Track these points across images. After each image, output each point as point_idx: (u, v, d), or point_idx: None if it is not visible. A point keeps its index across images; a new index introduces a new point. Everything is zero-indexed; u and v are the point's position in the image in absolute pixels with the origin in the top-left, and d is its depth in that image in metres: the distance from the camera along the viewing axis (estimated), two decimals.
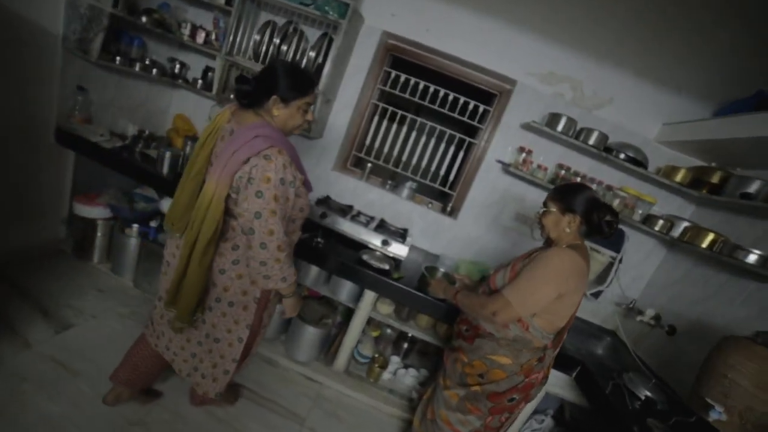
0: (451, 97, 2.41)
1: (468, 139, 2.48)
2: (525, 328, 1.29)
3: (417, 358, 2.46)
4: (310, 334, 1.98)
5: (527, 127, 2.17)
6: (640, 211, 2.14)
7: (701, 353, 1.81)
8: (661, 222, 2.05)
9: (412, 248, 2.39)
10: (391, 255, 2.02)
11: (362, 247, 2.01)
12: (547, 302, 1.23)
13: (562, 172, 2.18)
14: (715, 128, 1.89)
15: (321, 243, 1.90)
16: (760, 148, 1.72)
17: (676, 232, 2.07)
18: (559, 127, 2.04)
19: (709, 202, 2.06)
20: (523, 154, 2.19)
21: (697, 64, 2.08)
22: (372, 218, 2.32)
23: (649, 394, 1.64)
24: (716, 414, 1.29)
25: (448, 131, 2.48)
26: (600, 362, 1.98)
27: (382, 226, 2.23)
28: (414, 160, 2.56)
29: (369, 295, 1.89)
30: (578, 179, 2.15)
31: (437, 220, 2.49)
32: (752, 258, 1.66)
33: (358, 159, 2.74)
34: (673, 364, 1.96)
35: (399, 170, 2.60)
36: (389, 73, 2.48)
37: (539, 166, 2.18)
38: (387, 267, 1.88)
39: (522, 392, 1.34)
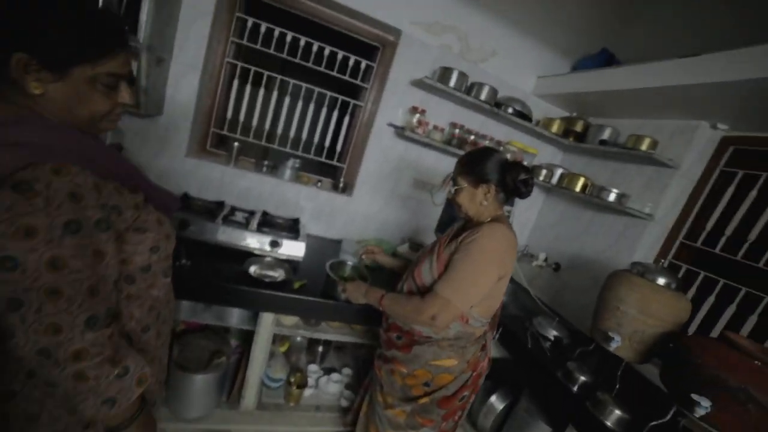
0: (327, 52, 2.00)
1: (352, 101, 2.14)
2: (465, 321, 1.15)
3: (335, 356, 2.21)
4: (200, 383, 1.49)
5: (418, 84, 1.95)
6: (526, 163, 2.21)
7: (581, 282, 2.09)
8: (544, 171, 2.17)
9: (308, 239, 2.03)
10: (284, 258, 1.63)
11: (246, 255, 1.56)
12: (488, 290, 1.09)
13: (456, 131, 2.07)
14: (573, 82, 2.04)
15: (187, 264, 1.37)
16: (607, 99, 1.94)
17: (554, 180, 2.23)
18: (452, 83, 1.87)
19: (575, 149, 2.25)
20: (417, 115, 1.99)
21: (560, 20, 2.14)
22: (251, 213, 1.84)
23: (555, 333, 1.79)
24: (615, 343, 1.41)
25: (328, 93, 2.08)
26: (511, 314, 2.07)
27: (266, 222, 1.78)
28: (292, 132, 2.11)
29: (267, 317, 1.49)
30: (471, 137, 2.07)
31: (330, 199, 2.15)
32: (612, 196, 1.87)
33: (220, 138, 2.13)
34: (562, 296, 2.20)
35: (275, 146, 2.12)
36: (245, 22, 1.90)
37: (435, 127, 2.02)
38: (283, 276, 1.50)
39: (472, 386, 1.23)
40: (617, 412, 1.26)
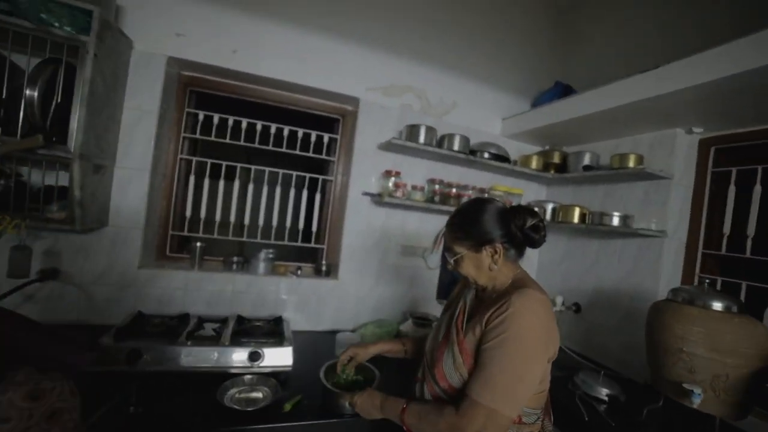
0: (286, 132, 1.92)
1: (321, 177, 2.02)
2: (519, 421, 0.87)
3: None
4: None
5: (387, 146, 1.86)
6: (514, 203, 2.10)
7: (608, 319, 1.85)
8: (535, 209, 2.05)
9: (296, 339, 1.71)
10: (269, 371, 1.30)
11: (222, 377, 1.22)
12: (539, 379, 0.85)
13: (436, 186, 1.95)
14: (537, 117, 2.05)
15: (137, 412, 1.03)
16: (575, 127, 1.94)
17: (548, 216, 2.11)
18: (421, 138, 1.80)
19: (559, 180, 2.19)
20: (392, 178, 1.87)
21: (509, 62, 2.25)
22: (224, 321, 1.53)
23: (607, 390, 1.48)
24: (697, 397, 1.13)
25: (294, 173, 1.96)
26: None
27: (243, 330, 1.47)
28: (261, 221, 1.92)
29: None
30: (453, 190, 1.96)
31: (314, 287, 1.89)
32: (615, 220, 1.74)
33: (180, 241, 1.89)
34: (592, 340, 1.93)
35: (244, 239, 1.89)
36: (196, 116, 1.81)
37: (414, 187, 1.89)
38: (269, 398, 1.17)
39: None
40: None
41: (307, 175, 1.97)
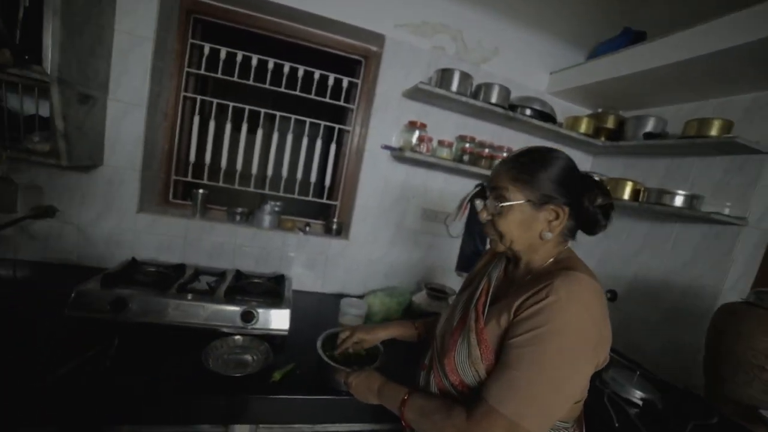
0: (301, 73, 1.69)
1: (337, 126, 1.80)
2: None
3: None
4: None
5: (413, 93, 1.60)
6: None
7: (650, 313, 1.62)
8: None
9: (299, 299, 1.60)
10: (262, 334, 1.19)
11: (210, 337, 1.12)
12: (581, 390, 0.67)
13: (467, 144, 1.70)
14: (595, 70, 1.69)
15: (114, 366, 0.94)
16: (641, 84, 1.59)
17: None
18: (454, 86, 1.53)
19: (609, 150, 1.87)
20: (416, 132, 1.63)
21: (569, 7, 1.83)
22: (221, 275, 1.43)
23: (642, 394, 1.29)
24: None
25: (308, 120, 1.75)
26: None
27: (240, 287, 1.35)
28: (270, 171, 1.75)
29: (240, 429, 1.02)
30: (486, 151, 1.70)
31: (322, 246, 1.74)
32: (679, 200, 1.45)
33: (185, 188, 1.78)
34: (628, 335, 1.70)
35: (252, 189, 1.75)
36: (201, 49, 1.61)
37: (441, 143, 1.65)
38: (259, 363, 1.06)
39: None
40: None
41: (323, 124, 1.76)
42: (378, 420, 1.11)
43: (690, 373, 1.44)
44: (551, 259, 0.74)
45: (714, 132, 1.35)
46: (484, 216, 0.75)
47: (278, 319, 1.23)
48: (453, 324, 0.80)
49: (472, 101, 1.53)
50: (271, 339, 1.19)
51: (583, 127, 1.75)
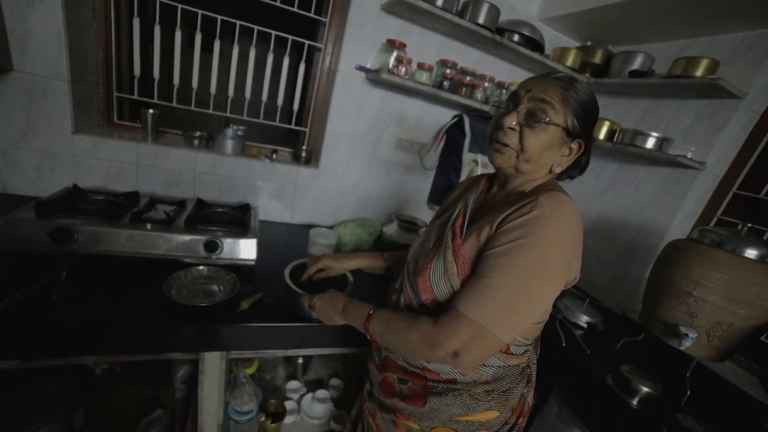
0: None
1: (306, 42, 1.59)
2: (507, 349, 0.74)
3: (321, 364, 1.81)
4: None
5: (394, 7, 1.41)
6: None
7: (607, 250, 1.74)
8: None
9: (267, 230, 1.55)
10: (227, 264, 1.16)
11: (171, 267, 1.07)
12: (549, 303, 0.69)
13: (448, 70, 1.57)
14: None
15: (57, 299, 0.88)
16: (634, 14, 1.48)
17: None
18: (439, 1, 1.35)
19: (593, 86, 1.80)
20: (395, 52, 1.47)
21: None
22: (180, 204, 1.34)
23: (588, 318, 1.44)
24: (689, 340, 1.06)
25: (273, 32, 1.52)
26: None
27: (202, 216, 1.28)
28: (231, 92, 1.56)
29: (210, 355, 1.04)
30: (467, 78, 1.58)
31: (290, 174, 1.65)
32: (650, 142, 1.47)
33: (132, 107, 1.56)
34: (585, 268, 1.84)
35: (210, 111, 1.57)
36: None
37: (421, 66, 1.51)
38: (226, 293, 1.04)
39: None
40: None
41: (290, 38, 1.54)
42: (345, 344, 1.17)
43: (630, 300, 1.61)
44: (536, 184, 0.73)
45: (700, 72, 1.32)
46: (511, 122, 0.67)
47: (244, 249, 1.19)
48: (428, 246, 0.78)
49: (457, 20, 1.37)
50: (237, 269, 1.16)
51: (570, 60, 1.66)
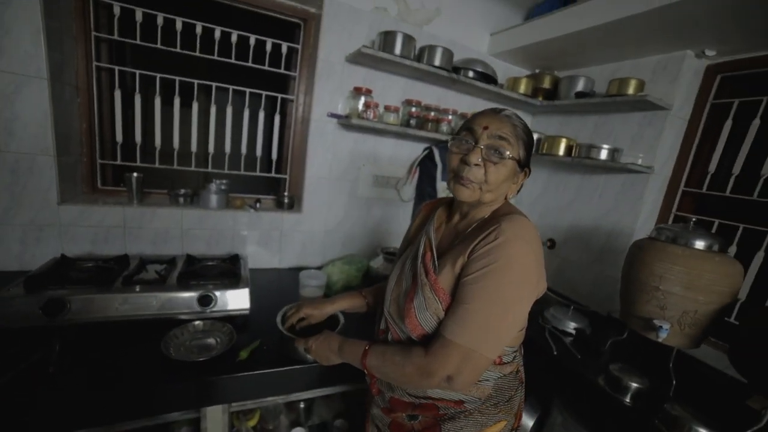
0: (235, 38, 1.55)
1: (280, 95, 1.71)
2: (499, 362, 0.80)
3: (325, 406, 1.78)
4: None
5: (357, 58, 1.55)
6: None
7: (582, 256, 1.84)
8: None
9: (257, 278, 1.58)
10: (222, 316, 1.18)
11: (168, 326, 1.09)
12: (525, 317, 0.75)
13: (413, 108, 1.71)
14: (531, 32, 1.75)
15: (53, 373, 0.89)
16: (572, 45, 1.67)
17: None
18: (397, 49, 1.50)
19: (547, 109, 1.99)
20: (362, 98, 1.60)
21: None
22: (170, 262, 1.37)
23: (575, 324, 1.51)
24: (664, 332, 1.14)
25: (248, 90, 1.64)
26: None
27: (193, 272, 1.31)
28: (211, 148, 1.64)
29: (213, 410, 1.04)
30: (432, 114, 1.73)
31: (276, 221, 1.71)
32: (604, 153, 1.62)
33: (116, 172, 1.61)
34: (564, 276, 1.94)
35: (192, 168, 1.63)
36: (110, 9, 1.40)
37: (387, 108, 1.64)
38: (224, 345, 1.06)
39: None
40: (702, 431, 0.97)
41: (264, 93, 1.66)
42: (344, 381, 1.19)
43: (612, 301, 1.69)
44: (491, 210, 0.80)
45: (631, 90, 1.50)
46: (477, 159, 0.72)
47: (238, 299, 1.22)
48: (407, 287, 0.81)
49: (416, 64, 1.52)
50: (232, 320, 1.18)
51: (523, 87, 1.84)
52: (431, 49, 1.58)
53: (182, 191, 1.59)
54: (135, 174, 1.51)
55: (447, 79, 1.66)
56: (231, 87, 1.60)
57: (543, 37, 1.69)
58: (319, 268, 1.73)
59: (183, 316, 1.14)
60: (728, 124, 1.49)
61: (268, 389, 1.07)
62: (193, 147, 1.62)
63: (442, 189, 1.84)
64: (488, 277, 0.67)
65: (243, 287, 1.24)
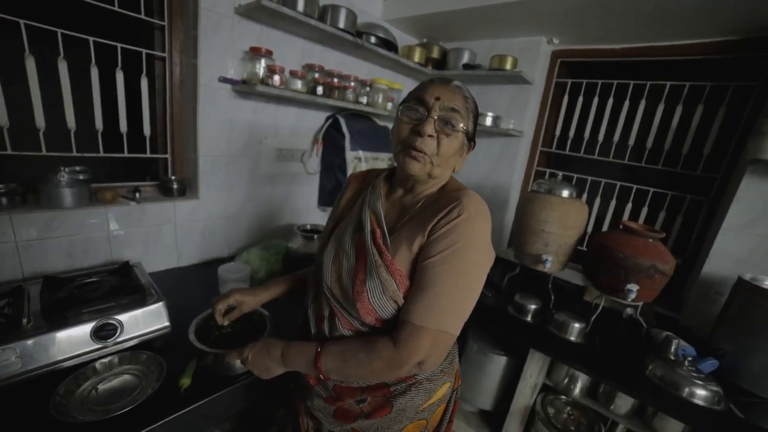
0: None
1: (144, 51, 1.30)
2: None
3: None
4: None
5: (251, 12, 1.30)
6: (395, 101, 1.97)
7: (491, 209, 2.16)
8: None
9: (157, 280, 1.27)
10: (132, 344, 0.92)
11: (52, 381, 0.79)
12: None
13: (317, 75, 1.58)
14: (423, 3, 1.79)
15: None
16: (458, 19, 1.81)
17: None
18: (300, 6, 1.33)
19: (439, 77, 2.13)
20: (262, 60, 1.38)
21: None
22: (14, 292, 0.96)
23: None
24: (549, 263, 1.48)
25: (91, 39, 1.18)
26: None
27: (65, 300, 0.95)
28: (40, 122, 1.15)
29: None
30: (335, 80, 1.63)
31: (166, 212, 1.39)
32: (489, 120, 1.88)
33: None
34: None
35: (9, 151, 1.12)
36: None
37: (294, 73, 1.46)
38: (153, 383, 0.84)
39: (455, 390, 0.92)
40: (576, 325, 1.34)
41: (119, 45, 1.23)
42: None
43: (499, 244, 2.06)
44: (439, 185, 0.76)
45: (509, 66, 1.75)
46: (431, 130, 0.68)
47: (151, 318, 0.97)
48: (349, 266, 0.74)
49: (322, 26, 1.39)
50: (149, 345, 0.95)
51: (417, 56, 1.91)
52: (335, 9, 1.46)
53: (1, 187, 1.09)
54: None
55: (350, 44, 1.58)
56: (59, 31, 1.12)
57: (434, 9, 1.74)
58: (230, 258, 1.51)
59: (70, 362, 0.84)
60: (565, 99, 1.92)
61: (231, 407, 0.92)
62: (2, 120, 1.10)
63: (352, 159, 1.81)
64: (454, 258, 0.65)
65: (155, 301, 0.98)
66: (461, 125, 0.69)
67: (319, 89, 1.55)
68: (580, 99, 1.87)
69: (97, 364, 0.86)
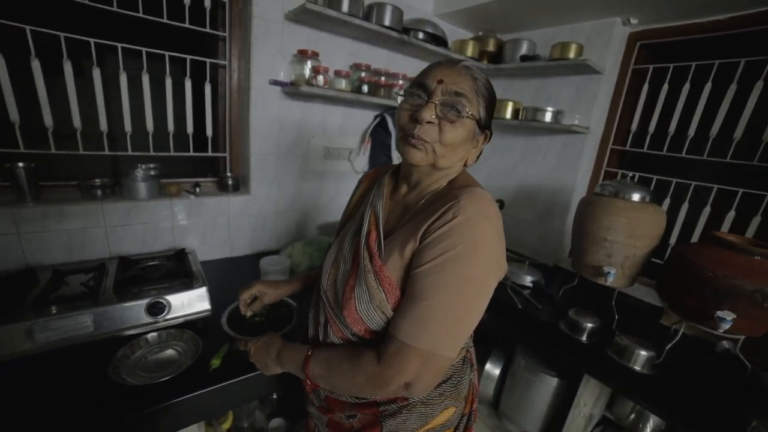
0: None
1: (208, 60, 1.45)
2: None
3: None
4: None
5: (299, 16, 1.36)
6: None
7: (530, 214, 1.98)
8: None
9: (208, 268, 1.40)
10: (180, 322, 1.03)
11: (112, 345, 0.91)
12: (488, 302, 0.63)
13: (363, 73, 1.59)
14: None
15: None
16: (515, 7, 1.66)
17: None
18: (345, 6, 1.35)
19: (491, 72, 2.01)
20: (309, 62, 1.43)
21: None
22: (99, 269, 1.13)
23: (531, 278, 1.64)
24: (612, 276, 1.29)
25: (167, 54, 1.35)
26: None
27: (132, 278, 1.10)
28: (128, 126, 1.35)
29: (187, 429, 0.92)
30: (382, 79, 1.63)
31: (221, 206, 1.52)
32: (548, 116, 1.71)
33: None
34: (514, 234, 2.08)
35: (106, 152, 1.33)
36: None
37: (338, 73, 1.50)
38: (189, 357, 0.93)
39: (472, 419, 0.82)
40: (643, 352, 1.14)
41: (189, 57, 1.39)
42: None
43: (557, 252, 1.86)
44: (447, 180, 0.68)
45: (572, 55, 1.57)
46: (430, 116, 0.60)
47: (195, 301, 1.07)
48: (345, 270, 0.69)
49: (366, 24, 1.40)
50: (192, 325, 1.04)
51: (470, 50, 1.82)
52: (380, 7, 1.46)
53: (97, 182, 1.30)
54: (21, 164, 1.18)
55: (396, 41, 1.56)
56: (144, 49, 1.30)
57: None
58: (277, 252, 1.60)
59: (130, 332, 0.97)
60: (645, 89, 1.66)
61: (248, 394, 0.98)
62: (103, 126, 1.32)
63: (397, 158, 1.79)
64: (448, 266, 0.56)
65: (199, 286, 1.08)
66: (468, 110, 0.61)
67: (364, 88, 1.57)
68: (665, 87, 1.59)
69: (149, 336, 0.97)
